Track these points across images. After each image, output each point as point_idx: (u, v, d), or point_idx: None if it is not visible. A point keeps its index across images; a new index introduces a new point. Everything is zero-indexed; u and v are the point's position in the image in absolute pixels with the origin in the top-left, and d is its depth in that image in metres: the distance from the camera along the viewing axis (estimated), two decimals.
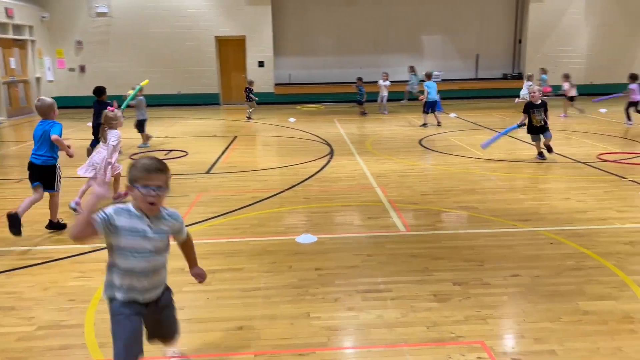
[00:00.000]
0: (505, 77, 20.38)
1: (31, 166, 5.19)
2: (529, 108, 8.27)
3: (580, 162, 8.18)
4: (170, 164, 2.89)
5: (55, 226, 5.31)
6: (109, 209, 2.32)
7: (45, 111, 5.22)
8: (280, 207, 6.11)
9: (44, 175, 5.16)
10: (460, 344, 3.13)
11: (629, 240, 4.79)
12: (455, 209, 5.92)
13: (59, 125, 5.20)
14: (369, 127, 13.05)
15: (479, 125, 12.62)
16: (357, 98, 15.27)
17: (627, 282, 3.91)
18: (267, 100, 17.89)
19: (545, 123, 8.22)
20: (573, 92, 14.01)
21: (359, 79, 15.19)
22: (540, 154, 8.43)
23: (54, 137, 5.08)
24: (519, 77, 20.05)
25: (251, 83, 15.21)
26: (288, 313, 3.56)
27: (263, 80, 18.59)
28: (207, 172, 8.10)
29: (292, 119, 14.18)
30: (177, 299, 2.73)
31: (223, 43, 19.16)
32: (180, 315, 2.77)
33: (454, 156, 8.87)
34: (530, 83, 14.71)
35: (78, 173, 6.02)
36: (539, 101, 8.23)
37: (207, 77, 19.16)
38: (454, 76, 20.22)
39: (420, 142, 10.43)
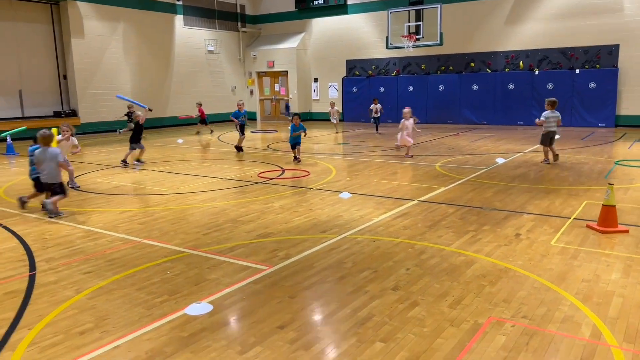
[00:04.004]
0: (58, 115, 19.00)
1: None
2: None
3: (258, 182, 9.29)
4: None
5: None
6: None
7: None
8: (73, 297, 4.37)
9: None
10: (486, 325, 3.68)
11: (402, 225, 6.29)
12: (259, 238, 5.88)
13: None
14: None
15: (102, 165, 11.71)
16: None
17: (450, 249, 5.34)
18: None
19: None
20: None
21: None
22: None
23: None
24: (74, 113, 19.23)
25: None
26: None
27: None
28: None
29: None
30: None
31: None
32: None
33: (148, 196, 8.28)
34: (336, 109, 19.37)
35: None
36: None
37: None
38: None
39: (75, 188, 8.92)
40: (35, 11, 18.60)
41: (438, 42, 18.49)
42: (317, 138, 17.27)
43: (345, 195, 8.00)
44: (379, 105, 18.63)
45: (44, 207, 7.14)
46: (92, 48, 19.62)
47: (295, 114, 12.15)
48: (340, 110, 22.60)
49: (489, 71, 20.39)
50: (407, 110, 12.22)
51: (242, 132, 13.75)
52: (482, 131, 18.22)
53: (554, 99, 11.01)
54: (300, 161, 11.49)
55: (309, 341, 3.49)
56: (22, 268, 4.98)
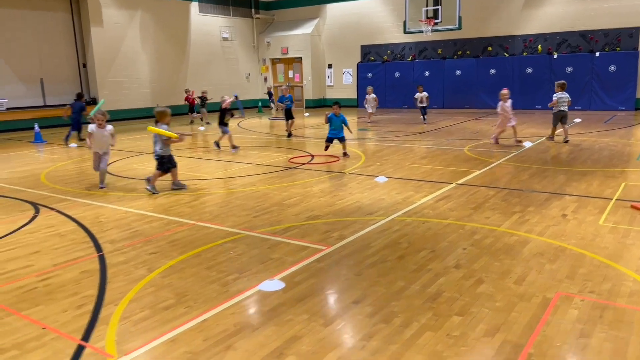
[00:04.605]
0: None
1: None
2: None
3: (290, 167, 9.41)
4: None
5: None
6: None
7: None
8: (147, 276, 4.53)
9: None
10: (556, 300, 3.80)
11: (447, 207, 6.40)
12: (309, 220, 6.02)
13: None
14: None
15: (132, 152, 11.88)
16: None
17: (501, 230, 5.46)
18: None
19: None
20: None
21: None
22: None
23: None
24: (94, 102, 19.36)
25: None
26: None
27: None
28: None
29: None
30: None
31: None
32: None
33: (188, 181, 8.41)
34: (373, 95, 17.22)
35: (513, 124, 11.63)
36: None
37: None
38: (19, 104, 17.58)
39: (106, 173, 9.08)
40: (55, 0, 18.66)
41: (457, 26, 18.43)
42: None
43: (381, 179, 8.11)
44: (425, 94, 16.80)
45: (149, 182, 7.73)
46: (111, 37, 19.70)
47: (335, 102, 10.33)
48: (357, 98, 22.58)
49: (507, 55, 20.31)
50: (505, 91, 11.58)
51: (287, 117, 14.09)
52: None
53: (563, 81, 11.76)
54: (347, 156, 10.21)
55: (387, 315, 3.63)
56: (89, 249, 5.15)
